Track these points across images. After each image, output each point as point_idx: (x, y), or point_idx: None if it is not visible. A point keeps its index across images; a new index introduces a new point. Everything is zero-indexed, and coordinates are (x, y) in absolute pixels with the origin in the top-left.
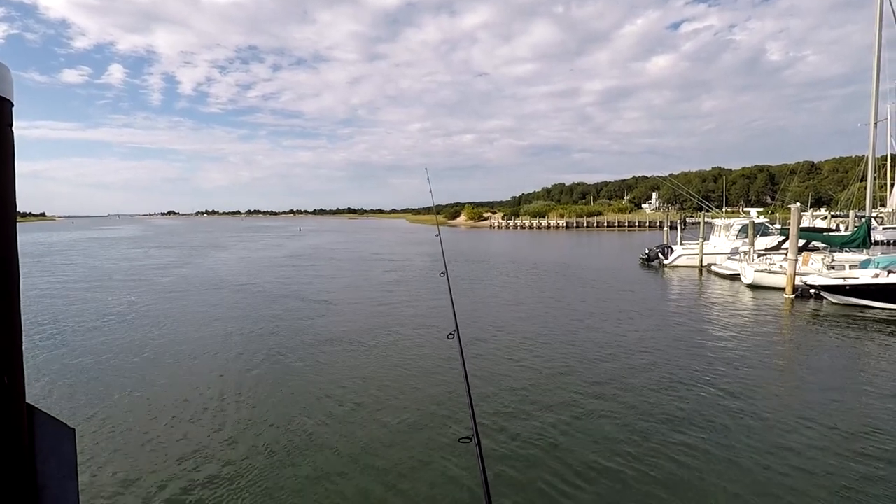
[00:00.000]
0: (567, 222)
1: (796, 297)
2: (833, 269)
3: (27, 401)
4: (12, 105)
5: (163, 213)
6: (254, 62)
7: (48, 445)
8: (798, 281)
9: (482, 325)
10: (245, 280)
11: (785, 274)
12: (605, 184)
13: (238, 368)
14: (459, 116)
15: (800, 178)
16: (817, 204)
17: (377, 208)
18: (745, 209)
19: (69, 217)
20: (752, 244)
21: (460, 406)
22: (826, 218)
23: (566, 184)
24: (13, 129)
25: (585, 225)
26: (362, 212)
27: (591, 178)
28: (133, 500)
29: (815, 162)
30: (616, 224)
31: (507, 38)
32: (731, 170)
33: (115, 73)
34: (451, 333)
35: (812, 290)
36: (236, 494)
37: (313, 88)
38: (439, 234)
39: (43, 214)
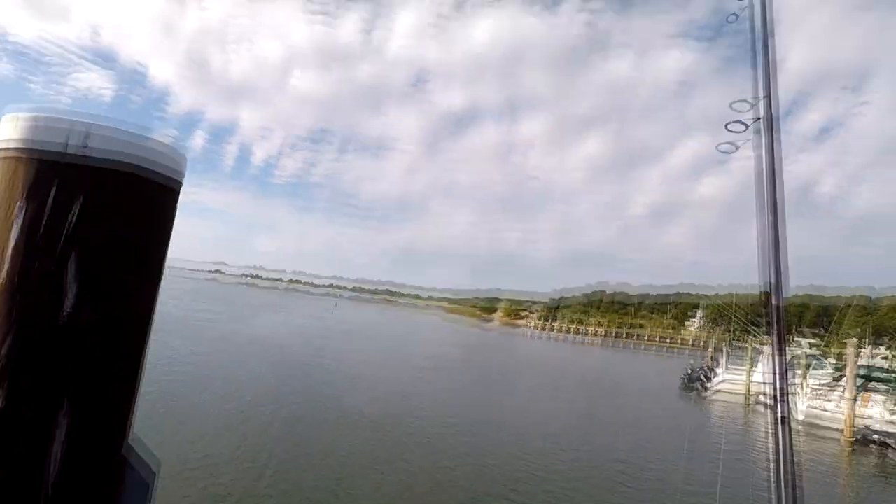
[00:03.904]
0: (606, 331)
1: (855, 442)
2: None
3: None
4: (181, 184)
5: (210, 271)
6: (323, 143)
7: (134, 481)
8: (857, 424)
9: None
10: (285, 345)
11: (842, 414)
12: (647, 296)
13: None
14: (507, 214)
15: (856, 311)
16: (877, 341)
17: (415, 292)
18: (797, 339)
19: None
20: (805, 378)
21: None
22: (887, 357)
23: (607, 292)
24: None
25: (625, 336)
26: (399, 294)
27: (634, 289)
28: None
29: (873, 297)
30: (657, 339)
31: (561, 146)
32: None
33: (198, 138)
34: None
35: (876, 437)
36: None
37: (373, 173)
38: None
39: None
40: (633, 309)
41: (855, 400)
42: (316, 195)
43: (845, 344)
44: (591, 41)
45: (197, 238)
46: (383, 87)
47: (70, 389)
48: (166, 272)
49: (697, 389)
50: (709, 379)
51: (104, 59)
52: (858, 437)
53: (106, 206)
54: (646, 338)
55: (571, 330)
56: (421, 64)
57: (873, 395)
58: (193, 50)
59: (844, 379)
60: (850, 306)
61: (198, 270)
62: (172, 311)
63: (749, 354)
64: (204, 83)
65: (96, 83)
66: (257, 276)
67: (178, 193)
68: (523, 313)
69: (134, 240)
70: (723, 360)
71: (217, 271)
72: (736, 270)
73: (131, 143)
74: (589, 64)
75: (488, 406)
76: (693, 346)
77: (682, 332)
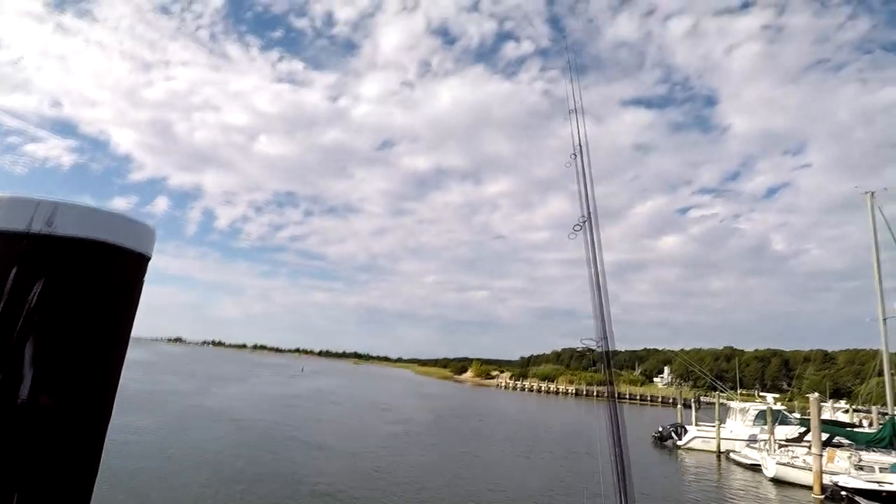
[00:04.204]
0: (577, 389)
1: (826, 498)
2: (862, 469)
3: None
4: (149, 260)
5: (169, 339)
6: (289, 206)
7: None
8: (826, 479)
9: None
10: (249, 416)
11: (810, 470)
12: (616, 353)
13: None
14: (474, 273)
15: (815, 366)
16: (836, 395)
17: (383, 355)
18: (762, 394)
19: None
20: (772, 433)
21: None
22: (848, 411)
23: (576, 349)
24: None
25: (595, 394)
26: (368, 357)
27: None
28: None
29: (829, 351)
30: (627, 396)
31: (525, 206)
32: (743, 350)
33: (160, 204)
34: None
35: (844, 493)
36: None
37: (339, 235)
38: None
39: None
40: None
41: (821, 455)
42: (281, 259)
43: (807, 398)
44: (549, 107)
45: (155, 307)
46: (349, 151)
47: (21, 485)
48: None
49: (669, 447)
50: (680, 436)
51: (64, 128)
52: (828, 492)
53: (69, 287)
54: (616, 395)
55: (542, 389)
56: (386, 128)
57: (838, 451)
58: (157, 118)
59: (810, 434)
60: (808, 360)
61: (156, 340)
62: (129, 382)
63: (717, 410)
64: (167, 151)
65: (54, 152)
66: (220, 344)
67: (146, 270)
68: (494, 373)
69: (98, 320)
70: (693, 416)
71: (177, 340)
72: (699, 327)
73: (99, 222)
74: (548, 128)
75: (465, 471)
76: (663, 402)
77: (651, 388)
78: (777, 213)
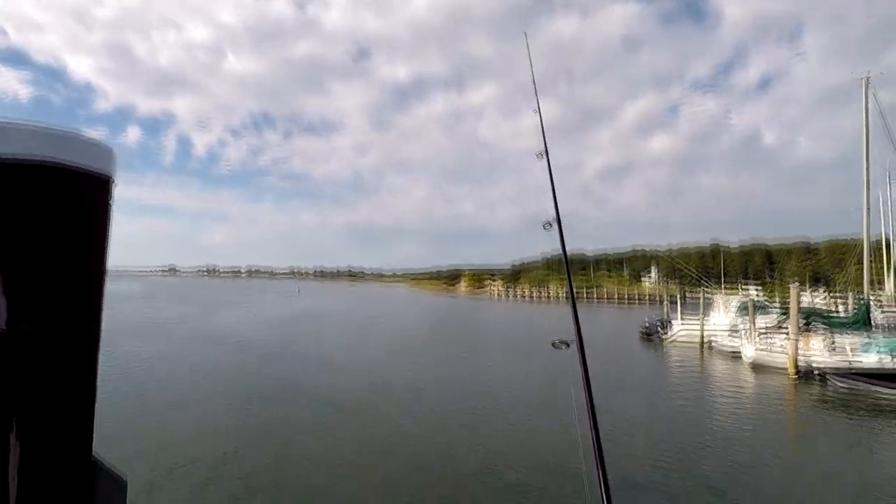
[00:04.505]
0: (566, 293)
1: (800, 377)
2: (835, 350)
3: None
4: (114, 183)
5: (163, 270)
6: (266, 128)
7: (105, 494)
8: (801, 361)
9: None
10: (247, 338)
11: (786, 354)
12: (605, 256)
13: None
14: (462, 184)
15: (796, 257)
16: (815, 283)
17: (377, 270)
18: (745, 286)
19: None
20: (753, 322)
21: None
22: (825, 298)
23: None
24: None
25: (585, 296)
26: (362, 275)
27: (591, 247)
28: None
29: (812, 243)
30: (616, 297)
31: (511, 113)
32: (728, 244)
33: (132, 134)
34: None
35: (816, 372)
36: None
37: (322, 154)
38: None
39: None
40: (591, 268)
41: (797, 340)
42: (265, 182)
43: (788, 288)
44: (532, 1)
45: (144, 239)
46: (324, 64)
47: (18, 408)
48: (118, 274)
49: (655, 341)
50: (665, 330)
51: (14, 58)
52: (801, 372)
53: (26, 210)
54: (605, 296)
55: (534, 294)
56: (361, 36)
57: (814, 335)
58: (113, 40)
59: (788, 321)
60: (790, 252)
61: (149, 272)
62: (128, 311)
63: (702, 304)
64: (130, 76)
65: (10, 85)
66: (214, 272)
67: (111, 189)
68: (486, 281)
69: (65, 242)
70: (678, 312)
71: (171, 270)
72: (687, 223)
73: (46, 140)
74: (533, 25)
75: (466, 376)
76: (650, 300)
77: (639, 287)
78: (769, 105)
